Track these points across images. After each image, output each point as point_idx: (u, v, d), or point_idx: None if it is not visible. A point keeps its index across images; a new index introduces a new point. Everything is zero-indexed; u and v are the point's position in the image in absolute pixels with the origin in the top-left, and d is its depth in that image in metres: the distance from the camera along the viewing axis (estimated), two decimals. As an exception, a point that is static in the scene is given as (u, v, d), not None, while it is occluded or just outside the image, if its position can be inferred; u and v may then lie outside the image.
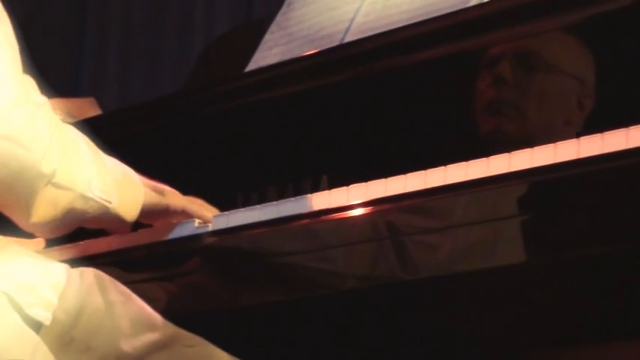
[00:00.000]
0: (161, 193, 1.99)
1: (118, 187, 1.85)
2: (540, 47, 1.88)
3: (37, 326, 1.63)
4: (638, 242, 1.53)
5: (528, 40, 1.89)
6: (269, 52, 2.33)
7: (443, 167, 1.74)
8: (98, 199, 1.80)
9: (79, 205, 1.78)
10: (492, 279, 1.74)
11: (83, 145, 1.82)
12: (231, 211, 2.01)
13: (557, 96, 1.80)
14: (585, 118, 1.79)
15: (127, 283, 1.79)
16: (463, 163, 1.71)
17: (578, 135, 1.64)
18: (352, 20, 2.20)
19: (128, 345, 1.70)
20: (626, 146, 1.56)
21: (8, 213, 1.77)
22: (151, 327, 1.74)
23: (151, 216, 1.99)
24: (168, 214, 2.00)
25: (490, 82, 1.91)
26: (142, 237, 2.07)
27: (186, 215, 2.01)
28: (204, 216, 2.00)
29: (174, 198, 2.01)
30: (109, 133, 2.21)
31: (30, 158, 1.68)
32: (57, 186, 1.73)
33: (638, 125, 1.57)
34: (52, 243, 2.04)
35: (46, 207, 1.75)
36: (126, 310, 1.73)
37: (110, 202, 1.83)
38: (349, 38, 2.19)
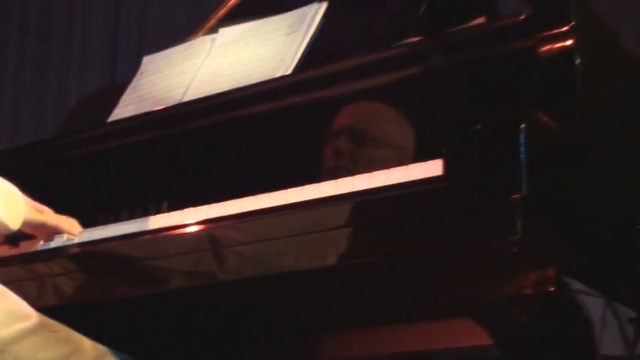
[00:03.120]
0: (40, 211, 1.96)
1: (5, 201, 1.83)
2: (370, 127, 1.89)
3: None
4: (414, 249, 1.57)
5: (360, 120, 1.91)
6: (125, 108, 2.31)
7: (253, 197, 1.76)
8: None
9: None
10: (290, 280, 1.76)
11: None
12: (92, 228, 2.00)
13: (382, 162, 1.77)
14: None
15: (7, 283, 1.76)
16: (266, 194, 1.74)
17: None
18: (188, 86, 2.20)
19: (3, 332, 1.67)
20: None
21: None
22: (22, 317, 1.70)
23: (30, 228, 1.96)
24: (45, 228, 1.98)
25: (332, 152, 1.90)
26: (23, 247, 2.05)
27: (58, 230, 1.99)
28: (71, 232, 1.98)
29: (50, 216, 1.99)
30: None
31: None
32: None
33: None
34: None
35: None
36: (1, 304, 1.70)
37: None
38: (186, 99, 2.18)
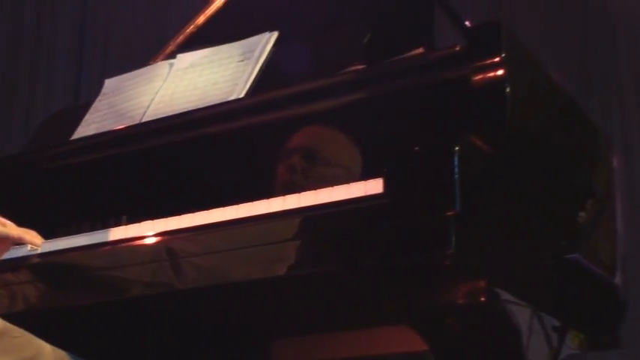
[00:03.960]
0: (3, 225, 1.93)
1: None
2: (321, 148, 1.90)
3: None
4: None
5: (312, 141, 1.91)
6: (88, 127, 2.29)
7: (207, 211, 1.76)
8: None
9: None
10: (240, 289, 1.76)
11: None
12: (56, 239, 1.98)
13: (330, 180, 1.77)
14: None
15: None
16: (219, 209, 1.73)
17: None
18: (148, 107, 2.19)
19: None
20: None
21: None
22: None
23: None
24: (8, 240, 1.95)
25: (286, 169, 1.90)
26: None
27: (22, 241, 1.96)
28: (34, 243, 1.95)
29: (12, 229, 1.95)
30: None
31: None
32: None
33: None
34: None
35: None
36: None
37: None
38: (145, 119, 2.18)
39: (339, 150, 1.88)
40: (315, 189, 1.66)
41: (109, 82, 2.41)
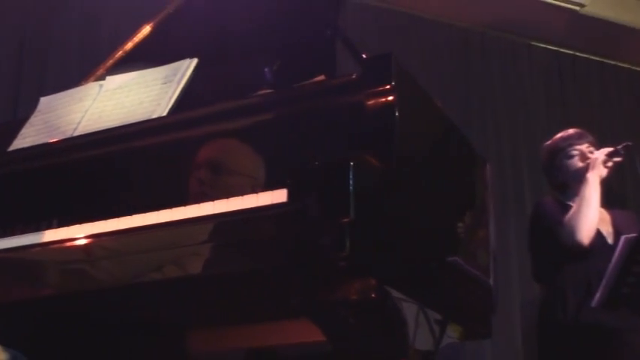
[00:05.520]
0: None
1: None
2: (225, 159, 1.89)
3: None
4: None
5: (219, 155, 1.90)
6: (24, 140, 2.24)
7: (130, 216, 1.74)
8: None
9: None
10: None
11: None
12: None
13: (237, 189, 1.78)
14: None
15: None
16: (141, 215, 1.72)
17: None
18: (79, 123, 2.16)
19: None
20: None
21: None
22: None
23: None
24: None
25: (195, 182, 1.89)
26: None
27: None
28: None
29: None
30: None
31: None
32: None
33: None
34: None
35: None
36: None
37: None
38: (76, 134, 2.14)
39: (242, 160, 1.88)
40: (222, 198, 1.66)
41: (43, 100, 2.36)
